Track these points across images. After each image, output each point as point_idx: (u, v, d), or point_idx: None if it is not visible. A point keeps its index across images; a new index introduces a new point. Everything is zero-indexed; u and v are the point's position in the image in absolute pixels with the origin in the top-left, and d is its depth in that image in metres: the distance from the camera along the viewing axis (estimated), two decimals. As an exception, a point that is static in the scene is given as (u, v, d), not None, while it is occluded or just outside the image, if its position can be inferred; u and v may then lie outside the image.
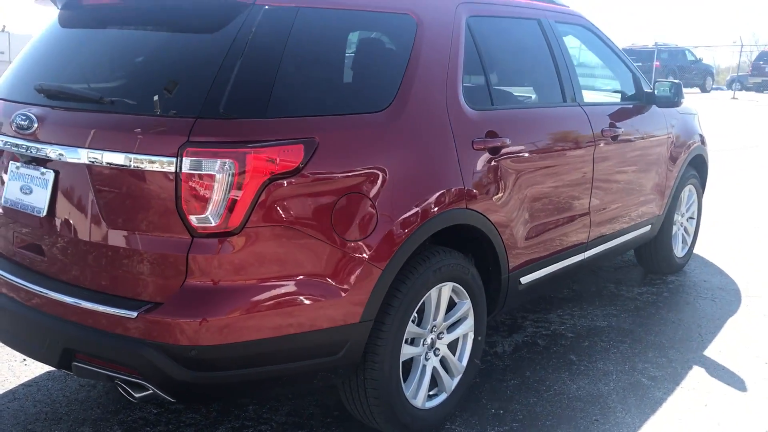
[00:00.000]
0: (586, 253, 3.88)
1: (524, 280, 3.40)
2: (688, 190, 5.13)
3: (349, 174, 2.45)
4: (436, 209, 2.73)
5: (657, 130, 4.45)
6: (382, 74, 2.74)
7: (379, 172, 2.54)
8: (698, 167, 5.23)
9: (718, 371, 3.60)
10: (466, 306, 3.05)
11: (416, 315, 2.87)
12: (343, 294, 2.45)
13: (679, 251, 5.13)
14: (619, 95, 4.49)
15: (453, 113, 2.89)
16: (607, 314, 4.35)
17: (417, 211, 2.65)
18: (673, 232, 5.00)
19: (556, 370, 3.57)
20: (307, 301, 2.36)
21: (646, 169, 4.35)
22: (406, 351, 2.79)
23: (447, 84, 2.90)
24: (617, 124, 3.97)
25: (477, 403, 3.23)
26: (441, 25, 2.97)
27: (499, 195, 3.08)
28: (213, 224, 2.20)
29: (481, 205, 2.96)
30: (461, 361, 3.10)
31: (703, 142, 5.15)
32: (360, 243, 2.48)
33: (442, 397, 3.02)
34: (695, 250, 5.70)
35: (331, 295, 2.42)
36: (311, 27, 2.49)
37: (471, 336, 3.12)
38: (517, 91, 3.60)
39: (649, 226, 4.60)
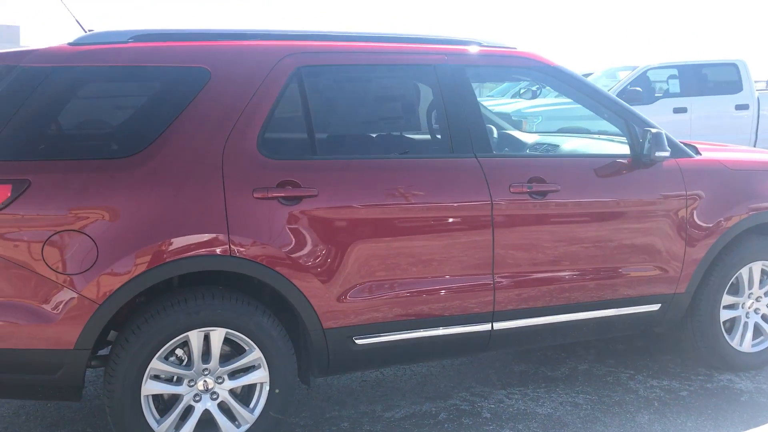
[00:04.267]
0: (495, 323, 3.41)
1: (361, 341, 3.19)
2: (762, 268, 4.01)
3: (67, 212, 2.74)
4: (180, 253, 2.83)
5: (654, 190, 3.65)
6: (139, 123, 2.96)
7: (106, 212, 2.78)
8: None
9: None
10: (253, 355, 3.03)
11: (185, 355, 2.98)
12: (52, 321, 2.73)
13: (743, 344, 4.02)
14: (613, 147, 3.81)
15: (231, 161, 2.94)
16: (569, 402, 3.68)
17: (154, 252, 2.80)
18: (725, 317, 3.95)
19: (411, 447, 3.24)
20: (5, 321, 2.71)
21: (627, 235, 3.60)
22: (156, 387, 2.92)
23: (233, 132, 2.97)
24: (549, 180, 3.41)
25: (282, 459, 3.14)
26: (244, 76, 3.04)
27: (297, 246, 3.00)
28: None
29: (258, 254, 2.94)
30: (253, 412, 3.07)
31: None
32: (73, 277, 2.74)
33: (220, 442, 3.04)
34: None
35: (38, 321, 2.73)
36: (64, 83, 2.86)
37: (267, 387, 3.07)
38: (367, 142, 3.38)
39: (658, 305, 3.76)
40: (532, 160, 3.66)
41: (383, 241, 3.16)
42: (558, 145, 4.40)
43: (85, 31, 3.23)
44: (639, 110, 13.63)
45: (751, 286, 4.02)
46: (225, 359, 3.03)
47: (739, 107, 12.41)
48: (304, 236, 3.02)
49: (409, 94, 3.49)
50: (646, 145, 3.53)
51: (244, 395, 3.10)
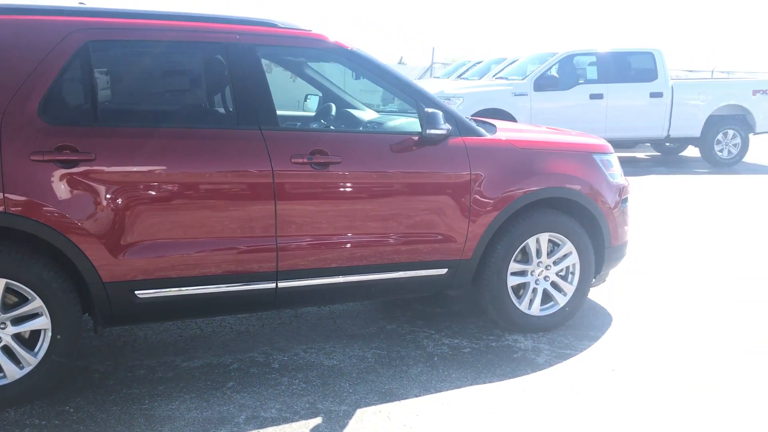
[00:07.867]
0: (279, 282, 3.75)
1: (142, 294, 3.50)
2: (549, 239, 4.38)
3: None
4: (-45, 209, 3.12)
5: (438, 165, 4.00)
6: None
7: None
8: (580, 215, 4.45)
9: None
10: (34, 304, 3.33)
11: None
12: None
13: (532, 308, 4.41)
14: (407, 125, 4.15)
15: (10, 127, 3.22)
16: (357, 356, 4.04)
17: None
18: (514, 283, 4.33)
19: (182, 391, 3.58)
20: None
21: (410, 205, 3.95)
22: (-61, 328, 3.21)
23: (14, 99, 3.24)
24: (331, 152, 3.74)
25: (51, 399, 3.46)
26: (30, 49, 3.32)
27: (75, 205, 3.29)
28: None
29: (32, 212, 3.22)
30: (36, 355, 3.38)
31: (583, 185, 4.37)
32: None
33: (3, 381, 3.34)
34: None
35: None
36: None
37: (49, 333, 3.38)
38: (151, 113, 3.68)
39: (445, 270, 4.13)
40: (317, 134, 3.98)
41: (162, 204, 3.46)
42: (384, 123, 4.74)
43: None
44: (556, 95, 14.05)
45: (539, 256, 4.40)
46: (10, 307, 3.33)
47: (653, 95, 12.86)
48: (83, 197, 3.32)
49: (200, 70, 3.78)
50: (423, 124, 3.88)
51: (31, 340, 3.41)
